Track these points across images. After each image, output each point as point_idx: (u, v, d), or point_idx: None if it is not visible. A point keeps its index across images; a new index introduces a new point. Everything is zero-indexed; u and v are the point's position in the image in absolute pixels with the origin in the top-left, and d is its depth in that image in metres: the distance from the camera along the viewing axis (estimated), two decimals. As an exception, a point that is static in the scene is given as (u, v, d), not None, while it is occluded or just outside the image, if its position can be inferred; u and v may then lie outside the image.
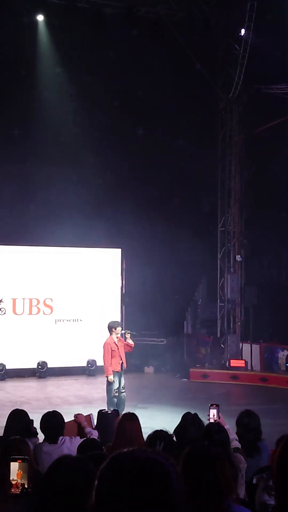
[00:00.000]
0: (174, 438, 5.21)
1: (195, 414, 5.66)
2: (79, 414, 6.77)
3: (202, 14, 18.20)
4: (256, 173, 19.76)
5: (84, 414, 7.03)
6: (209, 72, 18.97)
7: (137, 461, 1.54)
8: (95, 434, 6.43)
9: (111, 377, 11.94)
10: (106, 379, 12.23)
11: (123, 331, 12.44)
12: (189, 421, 5.52)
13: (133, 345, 12.36)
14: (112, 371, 12.02)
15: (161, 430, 5.17)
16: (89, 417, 6.83)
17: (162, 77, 18.51)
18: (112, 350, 12.07)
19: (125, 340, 12.22)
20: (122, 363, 12.13)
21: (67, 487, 2.16)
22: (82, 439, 5.93)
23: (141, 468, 1.52)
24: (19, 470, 3.24)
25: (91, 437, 6.32)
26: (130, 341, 12.25)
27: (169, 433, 5.20)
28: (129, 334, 12.31)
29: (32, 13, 17.63)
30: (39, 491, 2.37)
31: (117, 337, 12.21)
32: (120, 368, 12.08)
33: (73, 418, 6.83)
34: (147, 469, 1.52)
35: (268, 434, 6.30)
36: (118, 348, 12.11)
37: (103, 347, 12.17)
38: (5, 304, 18.32)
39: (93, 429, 6.87)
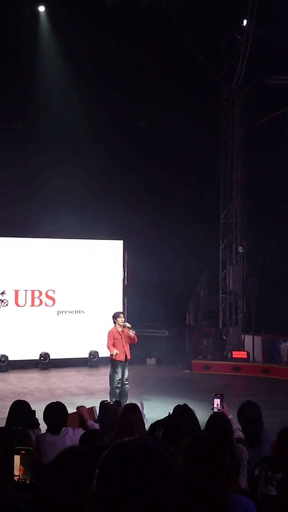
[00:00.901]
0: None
1: (185, 405, 5.67)
2: (81, 406, 6.77)
3: (204, 4, 18.13)
4: (258, 165, 19.71)
5: (87, 406, 7.03)
6: (211, 63, 18.90)
7: (137, 450, 1.55)
8: (96, 428, 6.44)
9: (115, 351, 11.98)
10: (108, 370, 12.29)
11: (124, 323, 12.46)
12: (177, 413, 5.54)
13: (133, 336, 12.29)
14: (116, 360, 12.07)
15: (161, 419, 5.19)
16: (91, 409, 6.82)
17: (164, 68, 18.46)
18: (115, 338, 12.14)
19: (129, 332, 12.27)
20: (125, 353, 12.17)
21: (75, 478, 2.18)
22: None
23: (141, 457, 1.53)
24: (21, 466, 3.28)
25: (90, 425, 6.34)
26: (131, 333, 12.25)
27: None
28: (127, 328, 12.33)
29: (33, 4, 17.58)
30: (44, 481, 2.39)
31: (121, 328, 12.24)
32: (123, 358, 12.12)
33: (75, 410, 6.84)
34: (147, 458, 1.54)
35: (270, 425, 6.32)
36: (122, 338, 12.15)
37: (107, 335, 12.27)
38: (8, 296, 18.36)
39: (95, 422, 6.88)
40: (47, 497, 2.18)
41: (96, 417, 6.87)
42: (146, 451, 1.55)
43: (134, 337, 12.28)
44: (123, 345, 12.15)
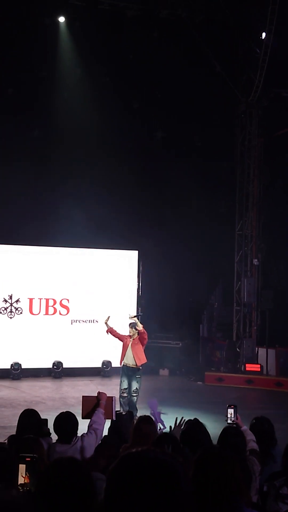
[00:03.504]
0: None
1: (195, 419, 5.68)
2: (102, 392, 6.77)
3: (222, 16, 18.18)
4: (274, 177, 19.70)
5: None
6: (229, 75, 18.94)
7: (145, 461, 1.55)
8: (98, 415, 6.38)
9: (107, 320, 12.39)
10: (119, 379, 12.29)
11: (131, 315, 12.55)
12: (190, 426, 5.54)
13: (141, 329, 12.15)
14: (122, 367, 12.12)
15: (168, 433, 5.16)
16: (111, 398, 6.80)
17: (182, 79, 18.52)
18: (124, 339, 12.17)
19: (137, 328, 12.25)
20: (127, 364, 12.11)
21: (59, 489, 2.18)
22: (93, 436, 5.95)
23: (150, 468, 1.53)
24: (27, 474, 3.23)
25: (94, 418, 6.29)
26: (139, 327, 12.16)
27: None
28: (133, 319, 12.33)
29: (53, 15, 17.71)
30: (36, 491, 2.38)
31: (132, 338, 12.23)
32: (121, 362, 12.11)
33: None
34: (155, 469, 1.53)
35: (283, 440, 6.26)
36: (129, 344, 12.13)
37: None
38: (22, 304, 18.42)
39: (115, 412, 6.87)
40: (40, 507, 2.18)
41: (114, 407, 6.83)
42: (154, 461, 1.55)
43: (140, 331, 12.17)
44: (126, 351, 12.15)
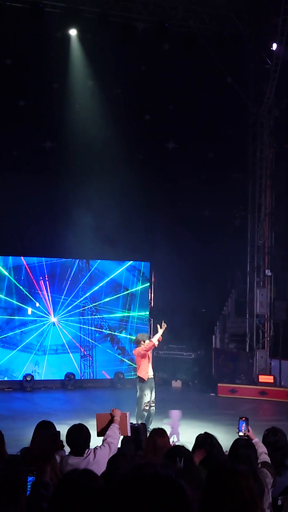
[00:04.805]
0: None
1: (206, 432, 5.67)
2: (116, 409, 6.76)
3: (233, 28, 18.22)
4: (287, 187, 19.65)
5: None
6: (240, 86, 18.95)
7: (144, 479, 1.53)
8: (113, 430, 6.36)
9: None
10: (134, 391, 12.17)
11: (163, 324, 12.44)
12: (200, 440, 5.53)
13: (160, 339, 12.31)
14: (145, 383, 11.97)
15: (181, 446, 5.14)
16: (124, 414, 6.79)
17: (193, 90, 18.56)
18: (143, 358, 12.06)
19: (157, 332, 12.24)
20: (149, 376, 12.08)
21: (72, 502, 2.16)
22: (106, 449, 5.93)
23: (149, 486, 1.52)
24: None
25: (109, 432, 6.27)
26: (160, 336, 12.22)
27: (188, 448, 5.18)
28: (163, 328, 12.29)
29: (65, 28, 17.80)
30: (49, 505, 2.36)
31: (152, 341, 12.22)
32: (146, 378, 12.01)
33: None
34: (156, 485, 1.52)
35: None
36: (148, 357, 12.10)
37: (136, 354, 12.18)
38: (34, 315, 18.44)
39: (130, 427, 6.86)
40: None
41: (128, 423, 6.82)
42: (153, 479, 1.53)
43: (159, 340, 12.31)
44: (147, 364, 12.09)
